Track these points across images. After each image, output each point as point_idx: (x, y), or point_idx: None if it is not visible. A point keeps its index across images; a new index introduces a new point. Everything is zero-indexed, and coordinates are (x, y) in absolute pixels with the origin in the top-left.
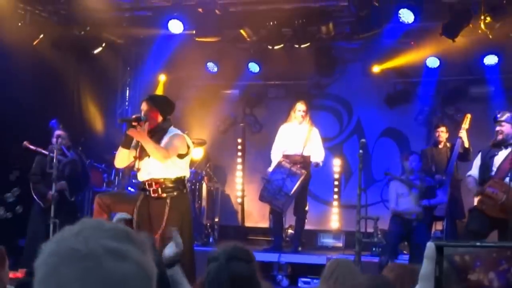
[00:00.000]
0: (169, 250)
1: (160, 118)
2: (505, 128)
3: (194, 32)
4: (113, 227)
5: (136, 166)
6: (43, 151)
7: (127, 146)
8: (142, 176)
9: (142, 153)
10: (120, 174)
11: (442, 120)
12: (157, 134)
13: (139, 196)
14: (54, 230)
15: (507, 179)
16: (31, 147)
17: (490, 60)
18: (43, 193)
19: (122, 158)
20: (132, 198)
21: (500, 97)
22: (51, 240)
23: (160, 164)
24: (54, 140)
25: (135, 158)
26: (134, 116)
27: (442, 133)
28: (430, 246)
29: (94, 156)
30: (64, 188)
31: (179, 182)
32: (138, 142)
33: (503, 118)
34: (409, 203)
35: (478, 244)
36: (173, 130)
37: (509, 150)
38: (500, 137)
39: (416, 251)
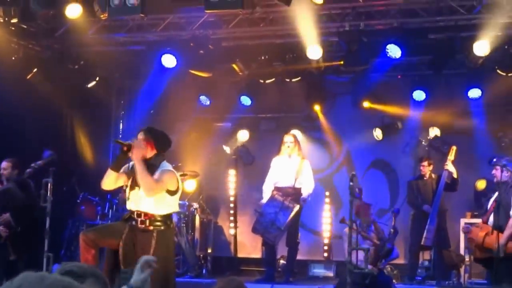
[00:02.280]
0: (138, 276)
1: (153, 152)
2: (497, 172)
3: (188, 65)
4: (53, 282)
5: (127, 195)
6: None
7: (117, 169)
8: (131, 206)
9: (134, 183)
10: (114, 207)
11: (427, 153)
12: (149, 168)
13: (124, 228)
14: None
15: (491, 220)
16: None
17: (474, 93)
18: None
19: (110, 180)
20: (117, 231)
21: (484, 129)
22: None
23: (150, 199)
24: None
25: (126, 186)
26: (128, 142)
27: (425, 167)
28: None
29: (87, 189)
30: (8, 220)
31: (167, 217)
32: (131, 170)
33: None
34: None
35: None
36: (165, 165)
37: (497, 193)
38: (494, 180)
39: None
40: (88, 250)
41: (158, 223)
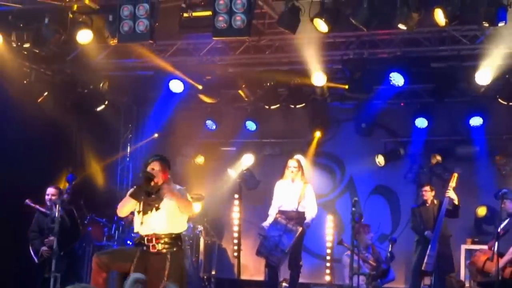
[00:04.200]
0: None
1: (166, 178)
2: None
3: (195, 90)
4: None
5: (140, 220)
6: (41, 208)
7: (138, 198)
8: (144, 230)
9: (146, 208)
10: (120, 228)
11: (429, 179)
12: (159, 192)
13: (135, 252)
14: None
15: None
16: (31, 204)
17: (476, 121)
18: (37, 249)
19: (129, 208)
20: (129, 255)
21: (485, 157)
22: None
23: (165, 220)
24: (47, 197)
25: (138, 212)
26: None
27: (427, 192)
28: None
29: (95, 210)
30: (52, 243)
31: (178, 238)
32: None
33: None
34: (361, 281)
35: None
36: (177, 187)
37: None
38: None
39: None
40: (100, 274)
41: (170, 245)
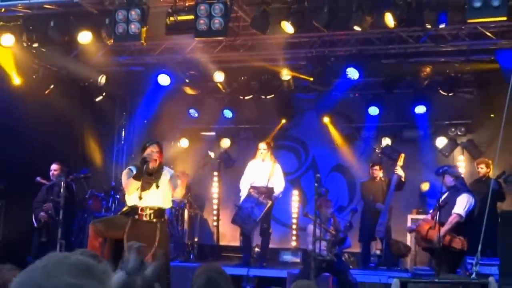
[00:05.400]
0: (151, 268)
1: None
2: (446, 179)
3: (180, 83)
4: (75, 262)
5: (138, 195)
6: (47, 183)
7: (140, 179)
8: (141, 204)
9: (145, 185)
10: (116, 202)
11: (380, 159)
12: (158, 172)
13: (126, 221)
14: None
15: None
16: (42, 181)
17: (420, 109)
18: (37, 215)
19: (134, 188)
20: (121, 224)
21: (428, 140)
22: (22, 272)
23: (161, 195)
24: (51, 172)
25: (137, 189)
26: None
27: (376, 171)
28: (395, 282)
29: (94, 186)
30: (50, 208)
31: (164, 211)
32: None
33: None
34: (323, 246)
35: (436, 280)
36: (166, 167)
37: (446, 194)
38: (444, 185)
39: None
40: (96, 238)
41: (160, 216)
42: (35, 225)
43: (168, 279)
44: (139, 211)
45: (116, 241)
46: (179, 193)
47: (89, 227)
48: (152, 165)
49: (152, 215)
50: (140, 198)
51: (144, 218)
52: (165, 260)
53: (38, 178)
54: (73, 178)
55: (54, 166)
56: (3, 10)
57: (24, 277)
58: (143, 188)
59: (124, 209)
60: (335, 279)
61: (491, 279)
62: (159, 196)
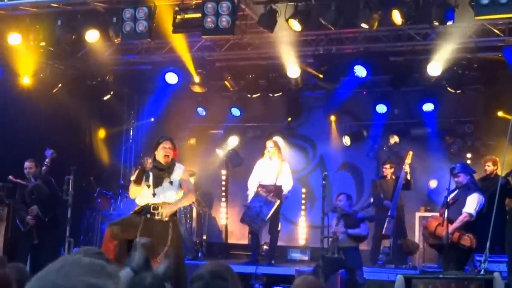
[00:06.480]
0: (162, 267)
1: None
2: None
3: (187, 81)
4: (90, 263)
5: (151, 192)
6: (21, 181)
7: (139, 183)
8: (155, 200)
9: (157, 181)
10: (125, 200)
11: (388, 156)
12: (170, 167)
13: (139, 221)
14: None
15: (446, 213)
16: (13, 180)
17: (428, 107)
18: (23, 218)
19: (136, 191)
20: (135, 224)
21: (436, 137)
22: (36, 276)
23: (174, 192)
24: (25, 170)
25: (148, 186)
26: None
27: (387, 169)
28: (399, 278)
29: (103, 185)
30: (36, 212)
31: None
32: (148, 174)
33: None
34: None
35: (441, 276)
36: (180, 166)
37: (456, 191)
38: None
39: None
40: (112, 241)
41: (172, 215)
42: (22, 229)
43: (184, 279)
44: (151, 210)
45: (129, 241)
46: (191, 199)
47: (101, 226)
48: (165, 160)
49: (164, 214)
50: (154, 195)
51: (156, 217)
52: (178, 259)
53: (10, 177)
54: (46, 170)
55: (27, 164)
56: (10, 9)
57: (41, 280)
58: (156, 184)
59: (137, 208)
60: (344, 276)
61: (496, 274)
62: (173, 192)
